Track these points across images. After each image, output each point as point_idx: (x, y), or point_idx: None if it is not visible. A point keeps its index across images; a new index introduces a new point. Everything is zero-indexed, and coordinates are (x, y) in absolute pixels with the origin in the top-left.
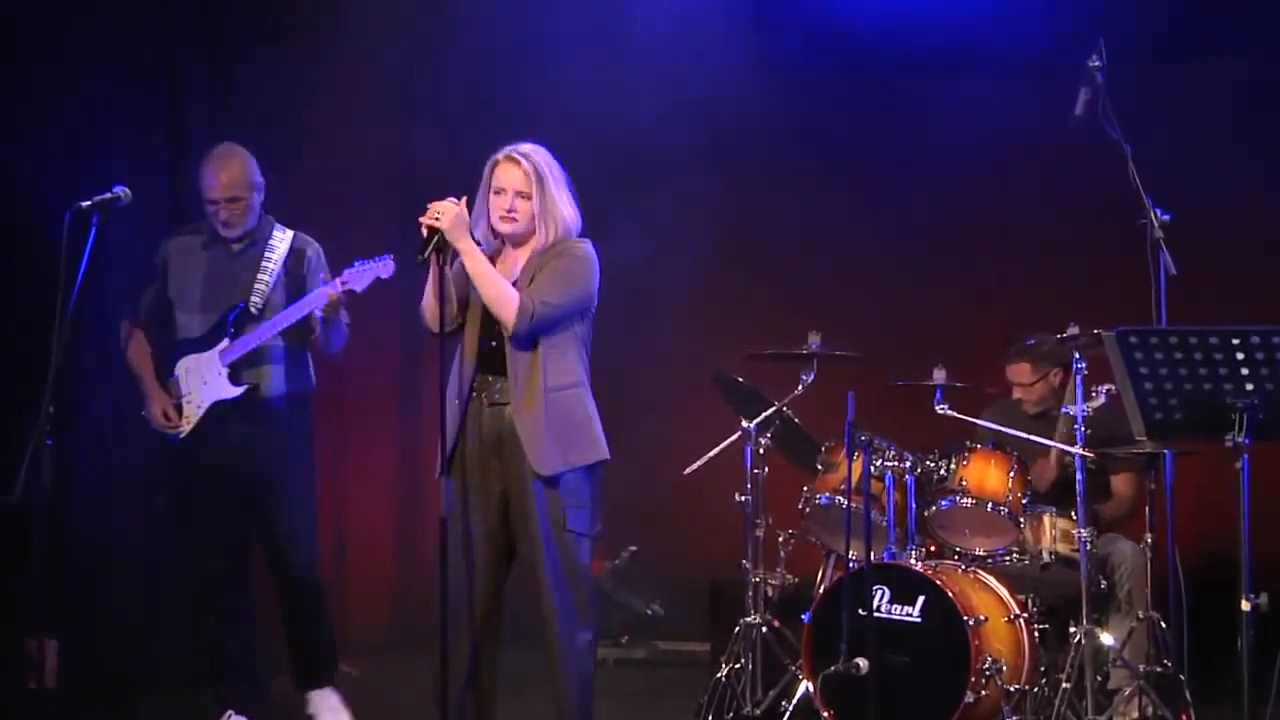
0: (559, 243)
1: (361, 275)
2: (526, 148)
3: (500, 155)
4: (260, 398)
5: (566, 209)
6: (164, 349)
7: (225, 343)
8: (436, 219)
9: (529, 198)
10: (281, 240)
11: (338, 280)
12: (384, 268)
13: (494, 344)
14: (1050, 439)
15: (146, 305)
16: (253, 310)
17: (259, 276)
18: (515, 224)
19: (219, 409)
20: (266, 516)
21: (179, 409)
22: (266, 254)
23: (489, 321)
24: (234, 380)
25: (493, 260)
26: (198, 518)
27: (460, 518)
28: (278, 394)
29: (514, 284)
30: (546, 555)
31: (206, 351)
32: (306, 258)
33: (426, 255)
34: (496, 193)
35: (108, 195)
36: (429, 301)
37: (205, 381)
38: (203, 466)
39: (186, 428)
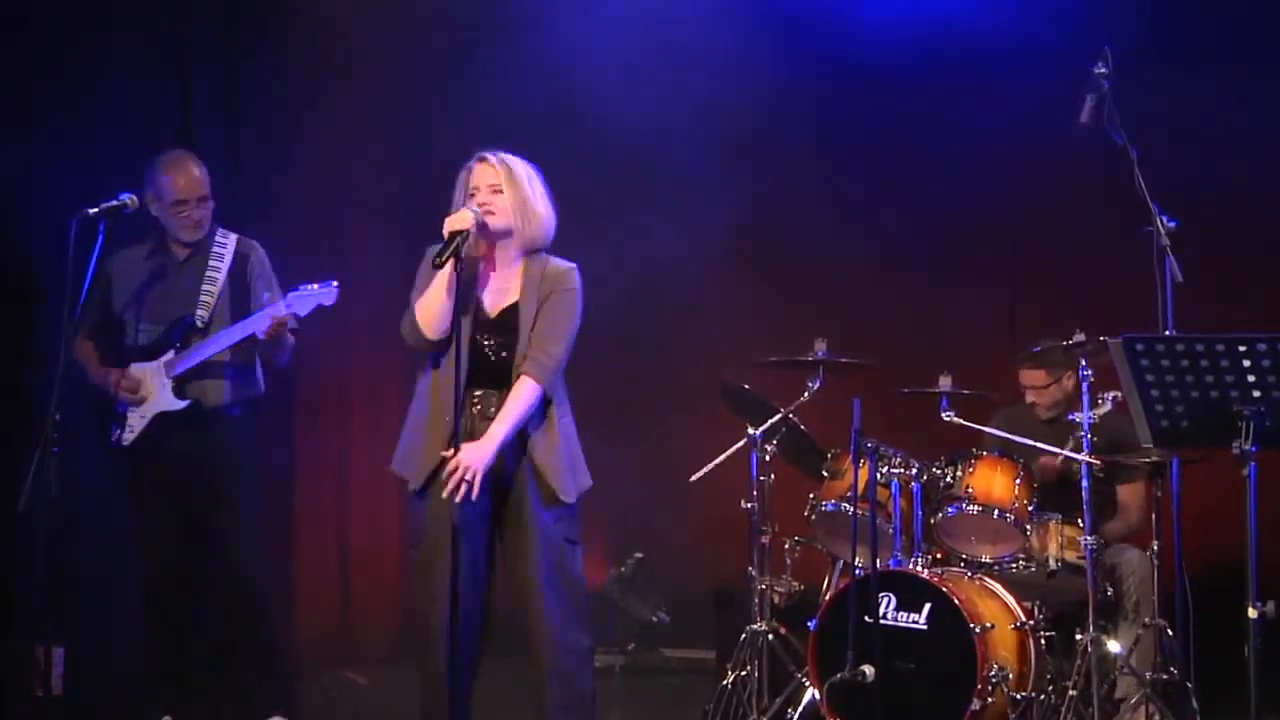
0: (555, 271)
1: (304, 300)
2: (501, 153)
3: (472, 160)
4: (204, 410)
5: (541, 209)
6: (112, 361)
7: (170, 355)
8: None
9: (502, 192)
10: (226, 247)
11: (280, 303)
12: (328, 294)
13: (490, 360)
14: (1061, 445)
15: (92, 319)
16: (198, 324)
17: (204, 288)
18: (494, 218)
19: (162, 420)
20: (212, 530)
21: (123, 416)
22: (212, 263)
23: (480, 342)
24: (178, 394)
25: (478, 262)
26: (140, 526)
27: (444, 531)
28: (223, 404)
29: (515, 306)
30: (547, 568)
31: (152, 362)
32: (250, 263)
33: (445, 259)
34: (472, 194)
35: (114, 202)
36: (431, 309)
37: (150, 393)
38: (144, 475)
39: (130, 436)
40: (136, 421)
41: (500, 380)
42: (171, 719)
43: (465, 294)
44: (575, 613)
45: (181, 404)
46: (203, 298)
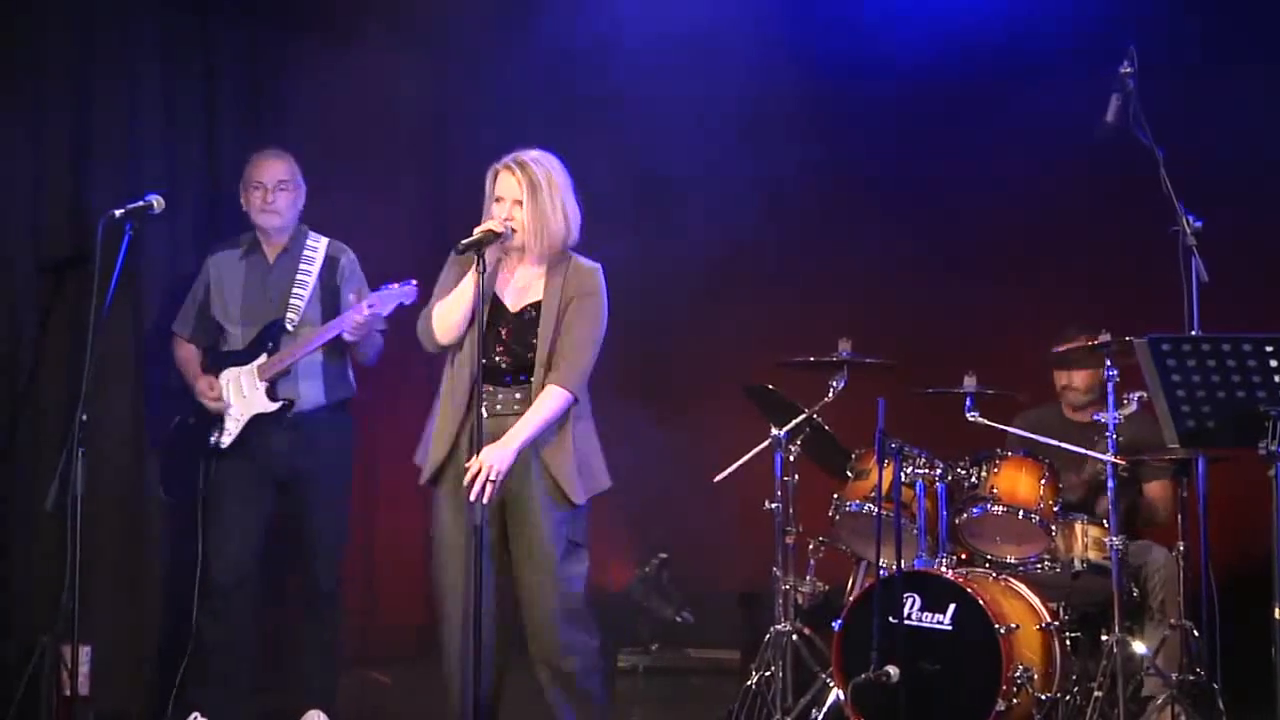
0: (580, 271)
1: (386, 299)
2: (529, 155)
3: (499, 164)
4: (298, 411)
5: (557, 220)
6: (212, 362)
7: (264, 358)
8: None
9: (523, 203)
10: (316, 249)
11: (363, 304)
12: (408, 293)
13: (506, 361)
14: (1087, 447)
15: (195, 322)
16: (289, 327)
17: (295, 291)
18: (517, 233)
19: (258, 422)
20: (299, 527)
21: (221, 420)
22: (302, 266)
23: (501, 335)
24: (271, 395)
25: (500, 261)
26: (225, 519)
27: (453, 525)
28: (315, 405)
29: (538, 304)
30: (550, 569)
31: (246, 365)
32: (340, 266)
33: (464, 247)
34: (497, 201)
35: (140, 203)
36: (451, 315)
37: (244, 395)
38: (239, 473)
39: (227, 440)
40: (234, 425)
41: (516, 377)
42: (200, 715)
43: (486, 292)
44: (577, 613)
45: (274, 406)
46: (293, 300)
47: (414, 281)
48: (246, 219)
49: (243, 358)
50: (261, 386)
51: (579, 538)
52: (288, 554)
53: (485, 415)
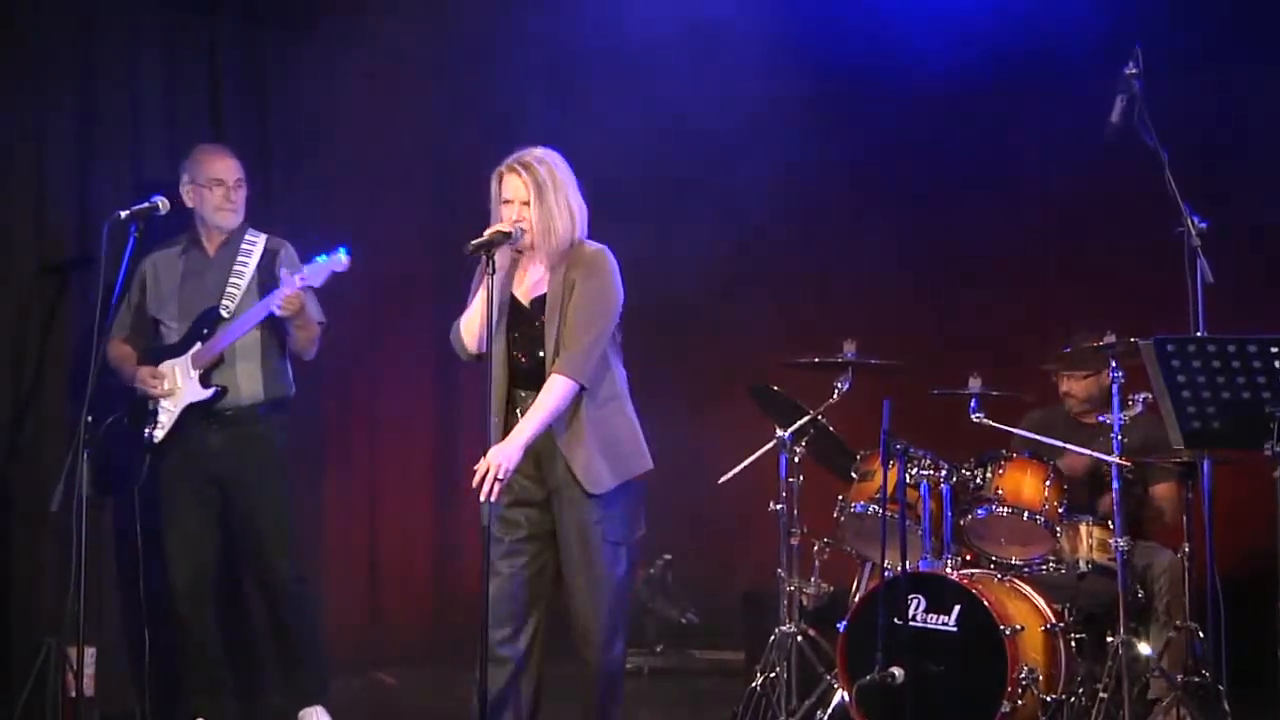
0: (581, 253)
1: (317, 271)
2: (532, 156)
3: (503, 166)
4: (233, 402)
5: (563, 220)
6: (150, 359)
7: (197, 346)
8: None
9: (529, 204)
10: (255, 243)
11: (295, 276)
12: (338, 262)
13: (524, 360)
14: (1092, 448)
15: (130, 323)
16: (224, 314)
17: (232, 280)
18: (527, 233)
19: (193, 413)
20: (244, 525)
21: (154, 413)
22: (240, 258)
23: (516, 337)
24: (204, 383)
25: (513, 264)
26: (169, 521)
27: (486, 531)
28: (251, 399)
29: (543, 297)
30: (585, 566)
31: (181, 356)
32: (279, 259)
33: (474, 248)
34: (506, 203)
35: (145, 204)
36: (475, 322)
37: (181, 386)
38: (175, 470)
39: (160, 433)
40: (166, 418)
41: (530, 382)
42: (198, 716)
43: (502, 297)
44: (612, 614)
45: (208, 392)
46: (229, 289)
47: (342, 247)
48: (181, 217)
49: (178, 349)
50: (195, 375)
51: (615, 534)
52: (240, 553)
53: (519, 416)
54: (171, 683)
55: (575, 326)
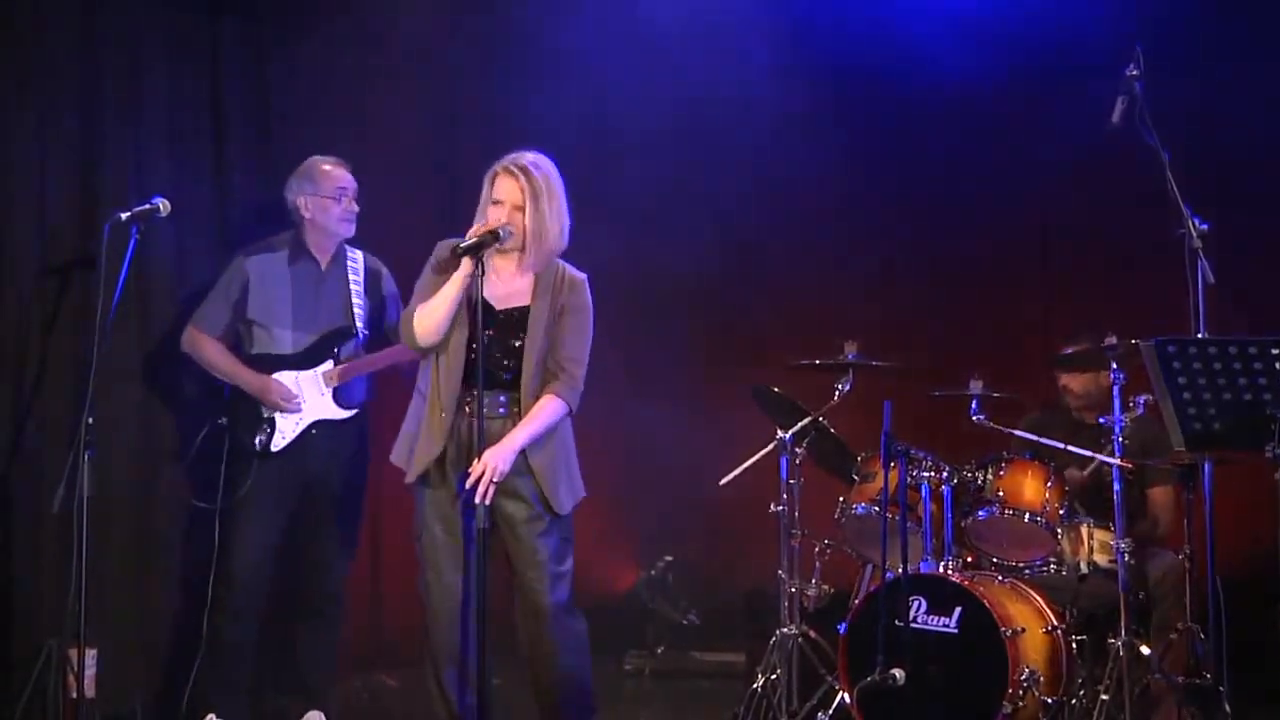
0: (570, 281)
1: None
2: (527, 160)
3: (499, 166)
4: (353, 419)
5: (554, 228)
6: (260, 364)
7: (329, 364)
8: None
9: (523, 209)
10: (357, 261)
11: None
12: None
13: (473, 356)
14: (1092, 449)
15: (227, 321)
16: (359, 335)
17: (354, 301)
18: (515, 236)
19: (318, 428)
20: (320, 530)
21: (268, 423)
22: (352, 277)
23: (486, 339)
24: (338, 402)
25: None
26: (256, 519)
27: (443, 523)
28: (357, 414)
29: (526, 309)
30: (541, 562)
31: (307, 370)
32: (383, 279)
33: (464, 250)
34: (496, 203)
35: (146, 206)
36: (435, 315)
37: (306, 399)
38: (273, 474)
39: (281, 442)
40: (289, 427)
41: (502, 379)
42: (216, 717)
43: (476, 294)
44: (571, 605)
45: (346, 413)
46: (355, 310)
47: None
48: (290, 220)
49: (302, 362)
50: (328, 392)
51: (568, 534)
52: (295, 555)
53: (471, 417)
54: (178, 682)
55: (573, 358)
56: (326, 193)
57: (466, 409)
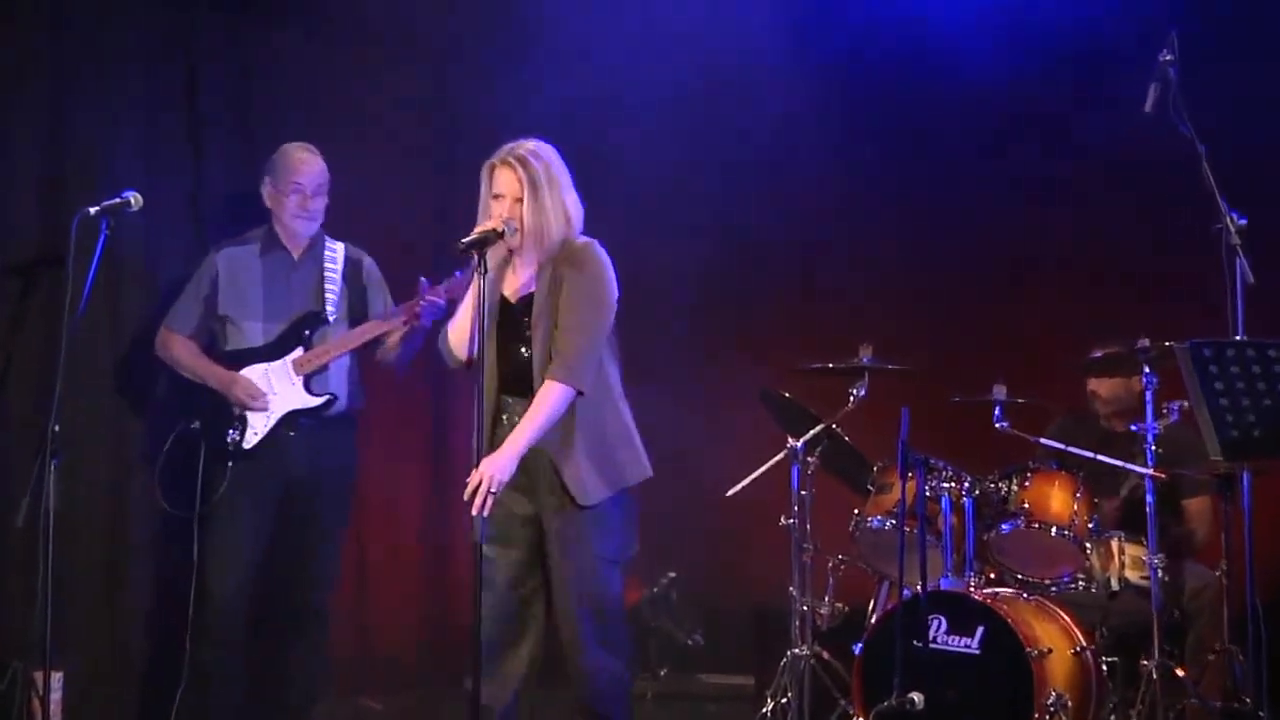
0: (570, 249)
1: (457, 285)
2: (525, 149)
3: (496, 158)
4: (330, 412)
5: (558, 218)
6: (228, 360)
7: (299, 352)
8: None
9: (522, 200)
10: (336, 251)
11: (440, 288)
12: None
13: (511, 363)
14: (1123, 458)
15: (199, 319)
16: (329, 319)
17: (328, 287)
18: (518, 231)
19: (291, 419)
20: (299, 539)
21: (240, 419)
22: (328, 265)
23: (505, 344)
24: (310, 390)
25: (502, 264)
26: (235, 524)
27: (477, 548)
28: (340, 411)
29: (531, 296)
30: (573, 584)
31: (276, 360)
32: (364, 268)
33: (464, 246)
34: (496, 197)
35: (117, 200)
36: (463, 326)
37: (276, 391)
38: (264, 481)
39: (253, 439)
40: (260, 423)
41: (525, 382)
42: None
43: (491, 299)
44: (603, 634)
45: (317, 401)
46: (328, 295)
47: (459, 272)
48: (266, 213)
49: (272, 353)
50: (298, 381)
51: (606, 550)
52: (278, 570)
53: (506, 427)
54: (154, 709)
55: (567, 328)
56: (281, 188)
57: (504, 419)
